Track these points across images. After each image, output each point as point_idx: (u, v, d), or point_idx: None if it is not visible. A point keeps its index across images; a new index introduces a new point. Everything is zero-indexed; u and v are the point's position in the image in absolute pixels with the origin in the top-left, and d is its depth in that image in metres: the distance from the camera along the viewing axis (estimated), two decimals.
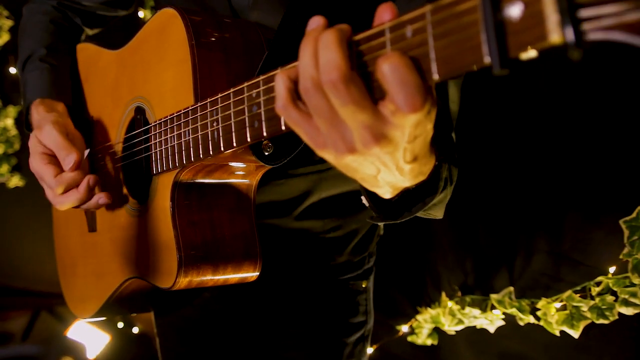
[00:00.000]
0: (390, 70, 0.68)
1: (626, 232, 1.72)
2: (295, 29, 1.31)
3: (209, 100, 1.08)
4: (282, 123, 0.88)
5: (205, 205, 1.27)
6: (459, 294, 2.12)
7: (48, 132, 1.40)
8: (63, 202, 1.40)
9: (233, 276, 1.30)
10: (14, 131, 3.72)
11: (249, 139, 0.97)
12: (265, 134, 0.93)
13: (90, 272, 1.62)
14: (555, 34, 0.55)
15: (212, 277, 1.27)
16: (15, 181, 3.73)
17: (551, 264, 1.91)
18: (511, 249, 2.00)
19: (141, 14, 2.97)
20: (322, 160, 1.46)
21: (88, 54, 1.68)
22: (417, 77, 0.68)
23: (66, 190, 1.38)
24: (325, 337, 1.58)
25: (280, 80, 0.82)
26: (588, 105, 1.83)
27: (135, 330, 3.59)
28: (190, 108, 1.14)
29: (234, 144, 1.01)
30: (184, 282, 1.23)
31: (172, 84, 1.24)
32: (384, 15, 0.74)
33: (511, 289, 1.98)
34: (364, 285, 1.66)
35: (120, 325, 3.54)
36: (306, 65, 0.78)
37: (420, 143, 0.82)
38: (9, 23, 3.53)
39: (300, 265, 1.57)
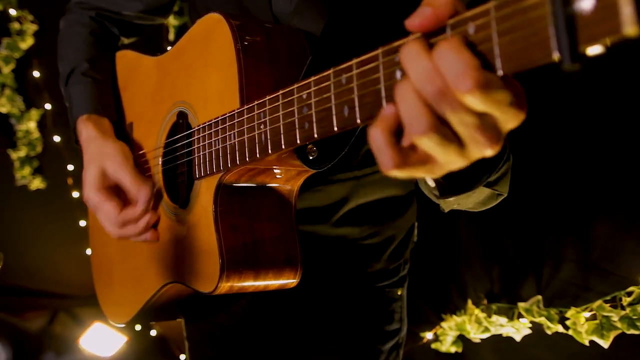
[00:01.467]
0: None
1: None
2: (339, 34, 1.31)
3: (256, 103, 1.07)
4: (335, 124, 0.88)
5: (247, 210, 1.26)
6: (485, 301, 2.10)
7: (118, 166, 1.43)
8: (119, 235, 1.45)
9: (273, 282, 1.29)
10: (36, 134, 3.74)
11: (298, 141, 0.96)
12: (316, 135, 0.92)
13: (127, 277, 1.62)
14: (630, 26, 0.54)
15: (253, 283, 1.26)
16: (37, 183, 3.75)
17: (580, 273, 1.89)
18: (539, 258, 1.98)
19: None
20: (360, 167, 1.47)
21: (127, 60, 1.68)
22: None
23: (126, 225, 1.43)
24: (361, 345, 1.56)
25: (380, 132, 0.75)
26: (621, 112, 1.82)
27: (153, 333, 3.57)
28: (237, 111, 1.13)
29: (282, 146, 1.00)
30: (225, 286, 1.22)
31: (216, 88, 1.24)
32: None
33: (539, 297, 1.96)
34: (399, 293, 1.65)
35: (138, 327, 3.53)
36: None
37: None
38: (33, 27, 3.54)
39: (337, 272, 1.56)
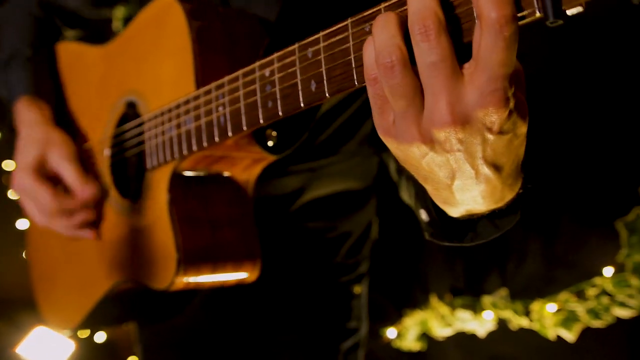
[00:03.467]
0: None
1: (623, 234, 1.73)
2: (294, 19, 1.30)
3: (214, 84, 1.05)
4: (301, 99, 0.86)
5: (203, 200, 1.23)
6: (449, 296, 2.11)
7: (64, 156, 1.39)
8: (47, 224, 1.39)
9: (232, 276, 1.26)
10: None
11: (261, 120, 0.94)
12: (281, 113, 0.90)
13: (72, 280, 1.56)
14: None
15: (210, 277, 1.23)
16: None
17: (544, 266, 1.91)
18: (503, 251, 2.00)
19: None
20: (315, 157, 1.46)
21: (69, 52, 1.63)
22: None
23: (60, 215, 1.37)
24: (319, 338, 1.56)
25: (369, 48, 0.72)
26: (583, 105, 1.85)
27: (102, 337, 3.45)
28: (192, 95, 1.10)
29: (244, 127, 0.98)
30: (181, 281, 1.19)
31: (170, 74, 1.20)
32: None
33: (505, 290, 1.98)
34: (357, 291, 1.64)
35: (84, 333, 3.40)
36: (392, 37, 0.68)
37: (505, 144, 0.71)
38: None
39: (294, 265, 1.54)
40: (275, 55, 0.91)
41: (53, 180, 1.41)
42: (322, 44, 0.82)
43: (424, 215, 0.98)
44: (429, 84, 0.67)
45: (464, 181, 0.74)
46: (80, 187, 1.36)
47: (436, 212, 0.91)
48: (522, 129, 0.71)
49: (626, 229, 1.74)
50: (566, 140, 1.88)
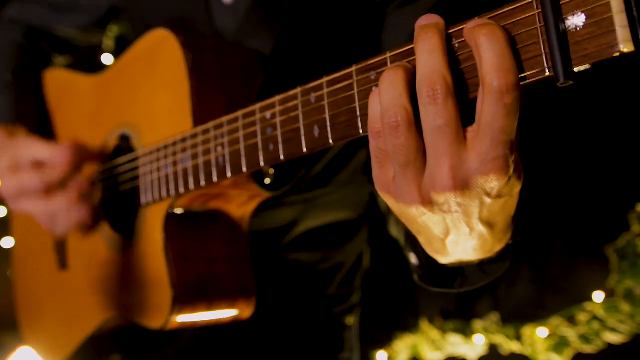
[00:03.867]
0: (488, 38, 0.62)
1: (614, 260, 1.75)
2: (290, 53, 1.31)
3: (212, 124, 1.05)
4: (304, 145, 0.86)
5: (198, 238, 1.23)
6: (439, 320, 2.11)
7: (31, 144, 1.32)
8: (49, 209, 1.31)
9: (227, 313, 1.26)
10: None
11: (262, 163, 0.94)
12: (282, 157, 0.90)
13: (61, 314, 1.55)
14: (625, 44, 0.56)
15: (206, 315, 1.22)
16: None
17: (535, 290, 1.92)
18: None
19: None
20: (310, 189, 1.46)
21: (58, 80, 1.62)
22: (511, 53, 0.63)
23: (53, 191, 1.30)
24: None
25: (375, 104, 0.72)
26: (570, 129, 1.88)
27: None
28: (190, 133, 1.10)
29: (244, 169, 0.98)
30: (176, 320, 1.18)
31: (165, 108, 1.20)
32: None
33: (497, 314, 1.98)
34: (349, 322, 1.65)
35: None
36: (399, 96, 0.69)
37: (501, 205, 0.72)
38: None
39: (287, 298, 1.54)
40: (277, 98, 0.91)
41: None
42: (325, 90, 0.83)
43: (413, 259, 0.99)
44: (432, 146, 0.67)
45: (458, 237, 0.76)
46: (56, 152, 1.29)
47: (426, 258, 0.92)
48: (517, 188, 0.72)
49: (617, 254, 1.76)
50: (556, 165, 1.90)
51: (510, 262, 0.92)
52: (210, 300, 1.22)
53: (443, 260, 0.85)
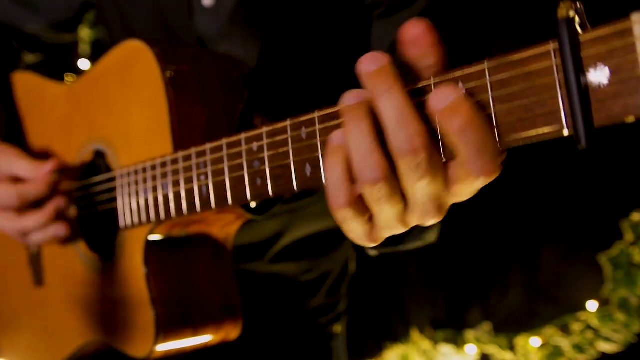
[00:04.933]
0: (463, 128, 0.59)
1: (608, 268, 1.74)
2: (274, 65, 1.26)
3: (194, 150, 0.99)
4: (295, 184, 0.81)
5: (181, 262, 1.18)
6: (430, 329, 2.10)
7: (12, 158, 1.27)
8: (20, 227, 1.26)
9: (213, 337, 1.22)
10: None
11: (249, 197, 0.89)
12: (271, 193, 0.85)
13: (37, 332, 1.50)
14: None
15: (192, 341, 1.18)
16: None
17: (527, 298, 1.91)
18: (485, 283, 1.99)
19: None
20: (295, 199, 1.42)
21: (28, 85, 1.55)
22: (491, 136, 0.60)
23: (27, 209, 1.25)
24: None
25: (339, 167, 0.69)
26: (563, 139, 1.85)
27: None
28: (170, 158, 1.05)
29: (229, 202, 0.93)
30: (161, 350, 1.14)
31: (142, 126, 1.14)
32: (414, 31, 0.64)
33: (489, 324, 1.97)
34: (336, 330, 1.63)
35: None
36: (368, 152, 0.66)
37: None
38: None
39: (274, 311, 1.52)
40: (265, 129, 0.86)
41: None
42: (318, 126, 0.78)
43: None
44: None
45: None
46: (37, 169, 1.25)
47: None
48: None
49: (610, 263, 1.75)
50: (549, 172, 1.88)
51: (503, 248, 0.96)
52: (195, 326, 1.18)
53: None
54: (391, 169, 0.65)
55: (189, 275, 1.19)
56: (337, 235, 1.59)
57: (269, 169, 0.85)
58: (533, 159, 1.90)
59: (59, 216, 1.28)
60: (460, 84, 0.63)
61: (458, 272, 2.07)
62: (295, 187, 0.81)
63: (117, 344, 1.23)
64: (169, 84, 1.10)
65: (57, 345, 1.43)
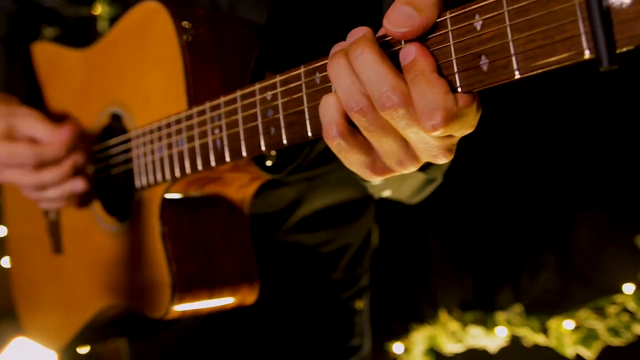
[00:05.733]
0: (415, 81, 0.66)
1: None
2: (284, 24, 1.25)
3: (208, 104, 0.99)
4: (309, 129, 0.80)
5: (197, 223, 1.18)
6: (458, 311, 2.07)
7: (32, 120, 1.29)
8: (37, 182, 1.28)
9: (230, 301, 1.22)
10: None
11: (263, 148, 0.89)
12: (285, 141, 0.85)
13: (58, 299, 1.52)
14: None
15: (207, 303, 1.18)
16: None
17: (560, 280, 1.87)
18: (516, 264, 1.96)
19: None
20: (312, 167, 1.41)
21: (47, 55, 1.57)
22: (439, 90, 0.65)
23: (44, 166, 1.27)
24: (321, 359, 1.52)
25: (333, 102, 0.74)
26: (604, 115, 1.81)
27: (85, 348, 3.39)
28: (184, 114, 1.04)
29: (243, 153, 0.92)
30: (177, 310, 1.15)
31: (158, 87, 1.14)
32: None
33: (520, 306, 1.94)
34: (359, 306, 1.61)
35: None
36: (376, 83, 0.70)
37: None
38: None
39: (293, 283, 1.51)
40: (278, 78, 0.85)
41: None
42: None
43: None
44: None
45: None
46: (56, 134, 1.27)
47: None
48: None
49: None
50: (587, 149, 1.84)
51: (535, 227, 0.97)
52: (211, 288, 1.18)
53: None
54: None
55: (206, 235, 1.19)
56: (357, 206, 1.57)
57: (283, 117, 0.84)
58: (570, 136, 1.86)
59: (77, 173, 1.29)
60: (477, 16, 0.62)
61: (488, 252, 2.04)
62: (310, 133, 0.81)
63: (134, 306, 1.24)
64: (185, 44, 1.09)
65: (76, 311, 1.44)
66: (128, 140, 1.21)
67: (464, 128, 0.69)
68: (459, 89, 0.65)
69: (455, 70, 0.65)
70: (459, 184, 1.95)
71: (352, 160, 0.77)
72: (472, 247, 2.07)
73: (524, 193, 1.97)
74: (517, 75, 0.59)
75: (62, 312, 1.50)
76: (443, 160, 0.73)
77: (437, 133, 0.66)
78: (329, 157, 1.43)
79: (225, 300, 1.21)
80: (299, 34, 1.25)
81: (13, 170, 1.29)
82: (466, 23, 0.63)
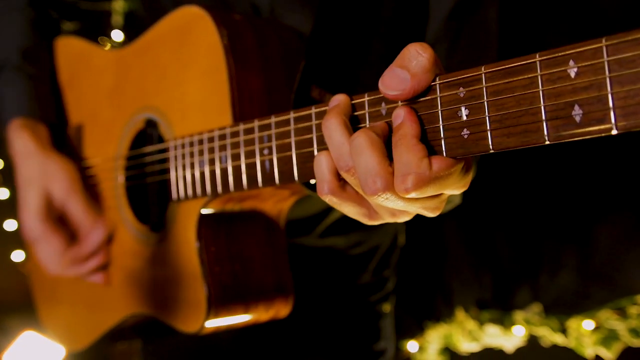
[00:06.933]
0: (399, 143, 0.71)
1: None
2: (330, 34, 1.22)
3: (257, 123, 0.96)
4: None
5: (234, 237, 1.16)
6: (474, 309, 2.07)
7: (67, 191, 1.31)
8: (60, 273, 1.35)
9: (264, 315, 1.20)
10: None
11: None
12: None
13: (80, 300, 1.49)
14: None
15: (242, 318, 1.16)
16: None
17: (580, 280, 1.86)
18: (535, 264, 1.95)
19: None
20: None
21: (73, 50, 1.52)
22: (414, 156, 0.69)
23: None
24: None
25: (325, 160, 0.79)
26: None
27: None
28: (230, 130, 1.01)
29: (295, 178, 0.90)
30: (212, 325, 1.13)
31: (199, 96, 1.11)
32: None
33: (539, 305, 1.93)
34: (386, 309, 1.60)
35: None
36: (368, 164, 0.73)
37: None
38: None
39: (323, 287, 1.50)
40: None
41: (60, 219, 1.34)
42: (401, 102, 0.74)
43: None
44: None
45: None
46: (89, 226, 1.31)
47: None
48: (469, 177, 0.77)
49: None
50: (611, 147, 1.82)
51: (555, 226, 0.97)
52: (246, 303, 1.16)
53: None
54: None
55: (242, 251, 1.17)
56: None
57: None
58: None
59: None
60: (572, 62, 0.59)
61: (506, 250, 2.03)
62: None
63: (165, 318, 1.22)
64: (229, 52, 1.06)
65: (99, 317, 1.42)
66: (166, 150, 1.18)
67: (449, 188, 0.72)
68: (444, 154, 0.69)
69: (442, 135, 0.69)
70: (478, 181, 1.94)
71: (347, 210, 0.83)
72: (491, 245, 2.06)
73: (545, 190, 1.95)
74: (615, 132, 0.57)
75: (83, 313, 1.48)
76: (430, 215, 0.78)
77: (411, 195, 0.69)
78: None
79: (260, 314, 1.19)
80: (344, 44, 1.22)
81: (43, 252, 1.33)
82: (559, 69, 0.61)
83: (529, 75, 0.62)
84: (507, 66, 0.64)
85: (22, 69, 1.46)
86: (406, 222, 1.65)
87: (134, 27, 1.36)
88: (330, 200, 0.80)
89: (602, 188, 1.84)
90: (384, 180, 0.70)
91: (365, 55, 1.15)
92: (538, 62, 0.62)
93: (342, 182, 0.79)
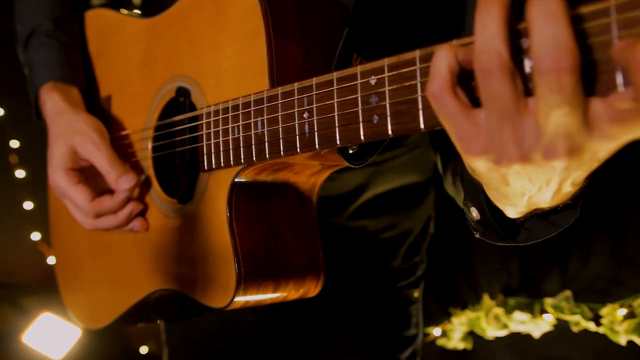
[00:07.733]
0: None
1: None
2: (373, 5, 1.18)
3: (297, 85, 0.92)
4: (421, 121, 0.74)
5: (266, 210, 1.12)
6: (502, 296, 2.02)
7: (93, 144, 1.27)
8: (95, 226, 1.31)
9: (293, 293, 1.16)
10: None
11: (362, 137, 0.82)
12: (391, 132, 0.78)
13: (102, 277, 1.46)
14: None
15: (272, 295, 1.12)
16: None
17: (611, 266, 1.82)
18: (565, 250, 1.90)
19: None
20: (381, 150, 1.35)
21: (103, 22, 1.49)
22: None
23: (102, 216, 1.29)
24: (378, 351, 1.48)
25: (445, 56, 0.64)
26: None
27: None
28: (267, 94, 0.97)
29: (337, 142, 0.86)
30: (241, 301, 1.09)
31: (234, 62, 1.07)
32: None
33: (569, 292, 1.89)
34: (415, 295, 1.56)
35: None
36: (493, 38, 0.60)
37: (595, 168, 0.66)
38: None
39: (352, 270, 1.46)
40: (386, 61, 0.78)
41: (88, 173, 1.32)
42: None
43: (474, 213, 0.93)
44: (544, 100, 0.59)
45: (543, 194, 0.71)
46: (116, 175, 1.26)
47: (490, 212, 0.88)
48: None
49: None
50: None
51: (580, 211, 0.86)
52: (277, 279, 1.12)
53: (513, 211, 0.80)
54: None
55: (274, 224, 1.13)
56: (419, 190, 1.52)
57: (390, 105, 0.77)
58: None
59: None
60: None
61: None
62: (422, 125, 0.74)
63: (191, 293, 1.18)
64: (268, 16, 1.02)
65: (122, 294, 1.39)
66: (197, 118, 1.14)
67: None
68: None
69: None
70: None
71: (450, 124, 0.67)
72: None
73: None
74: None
75: (107, 292, 1.45)
76: (558, 162, 0.62)
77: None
78: (398, 140, 1.37)
79: (289, 292, 1.15)
80: (388, 16, 1.18)
81: (71, 206, 1.32)
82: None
83: None
84: None
85: (53, 35, 1.45)
86: (435, 208, 1.61)
87: (154, 5, 1.33)
88: (435, 101, 0.66)
89: (636, 172, 1.79)
90: (575, 59, 0.56)
91: (409, 28, 1.10)
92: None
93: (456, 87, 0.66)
